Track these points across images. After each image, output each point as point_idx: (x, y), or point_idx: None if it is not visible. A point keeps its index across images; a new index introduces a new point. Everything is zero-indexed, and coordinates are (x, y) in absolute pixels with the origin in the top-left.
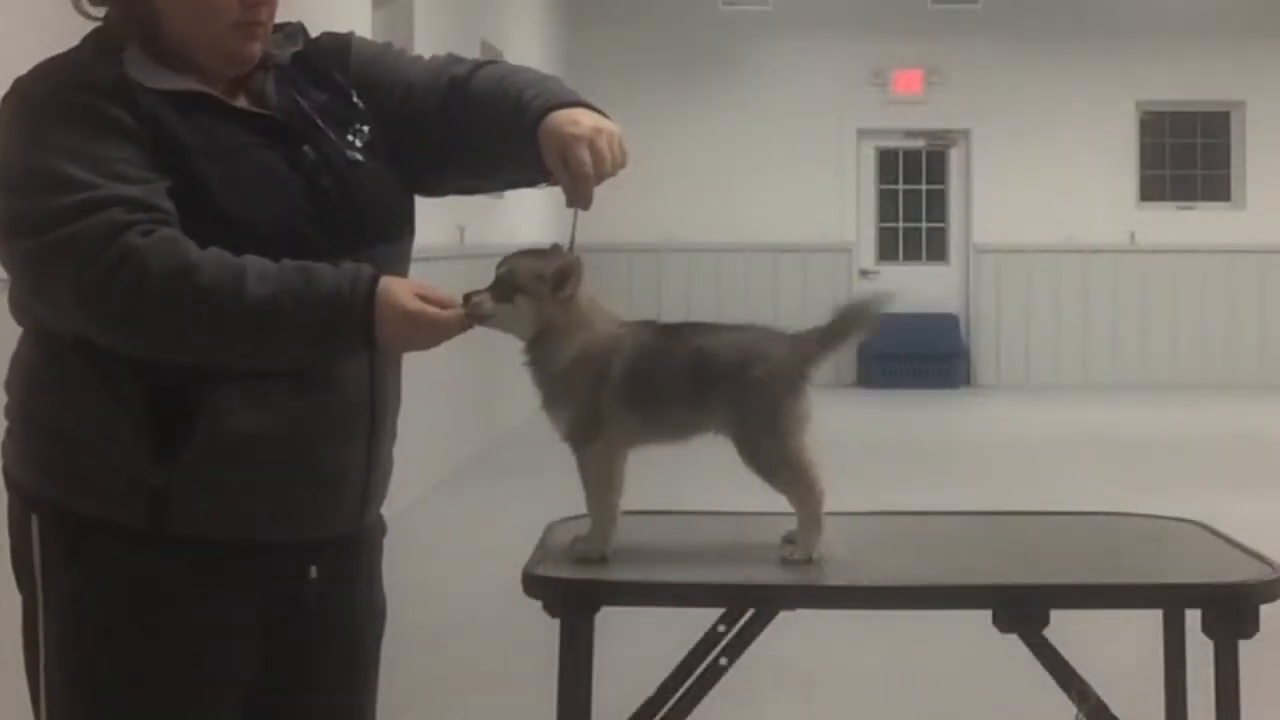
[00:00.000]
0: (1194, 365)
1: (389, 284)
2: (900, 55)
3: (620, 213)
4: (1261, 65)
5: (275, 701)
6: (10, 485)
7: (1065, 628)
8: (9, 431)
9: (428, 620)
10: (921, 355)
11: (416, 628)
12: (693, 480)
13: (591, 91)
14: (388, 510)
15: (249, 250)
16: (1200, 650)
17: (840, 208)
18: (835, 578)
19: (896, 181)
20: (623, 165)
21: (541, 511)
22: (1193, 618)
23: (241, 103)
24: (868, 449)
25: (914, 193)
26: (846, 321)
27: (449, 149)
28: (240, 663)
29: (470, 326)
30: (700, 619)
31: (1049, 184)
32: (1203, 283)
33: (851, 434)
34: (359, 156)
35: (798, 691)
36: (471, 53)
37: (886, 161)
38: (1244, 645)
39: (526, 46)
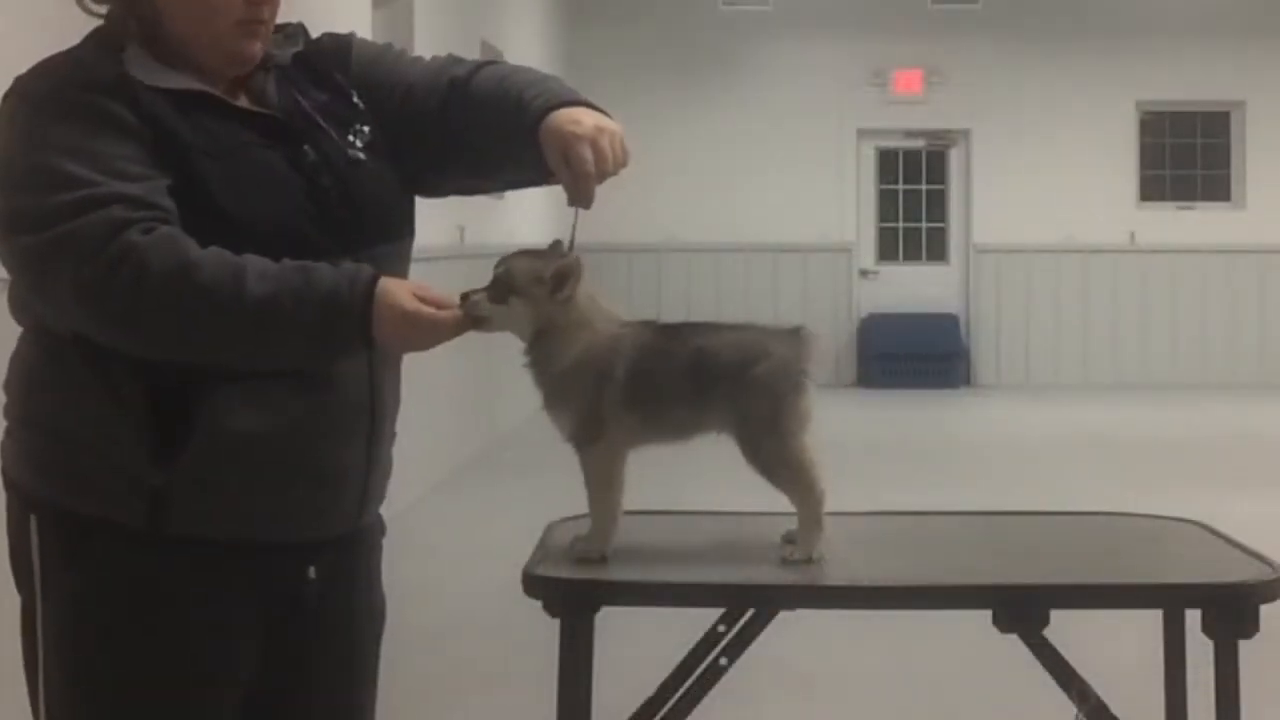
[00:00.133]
0: (1194, 365)
1: (387, 284)
2: (900, 55)
3: (620, 213)
4: (1261, 65)
5: (275, 701)
6: (9, 485)
7: (1065, 628)
8: (8, 431)
9: (427, 620)
10: (921, 355)
11: (416, 628)
12: (693, 480)
13: (591, 91)
14: (387, 510)
15: (249, 249)
16: (1200, 650)
17: (840, 208)
18: (835, 578)
19: (896, 181)
20: (624, 164)
21: (541, 511)
22: (1193, 618)
23: (242, 102)
24: (868, 449)
25: (914, 193)
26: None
27: (449, 149)
28: (240, 663)
29: (469, 328)
30: (700, 619)
31: (1049, 184)
32: (1203, 283)
33: (851, 434)
34: (359, 156)
35: (798, 691)
36: (471, 53)
37: (886, 161)
38: (1244, 645)
39: (526, 46)
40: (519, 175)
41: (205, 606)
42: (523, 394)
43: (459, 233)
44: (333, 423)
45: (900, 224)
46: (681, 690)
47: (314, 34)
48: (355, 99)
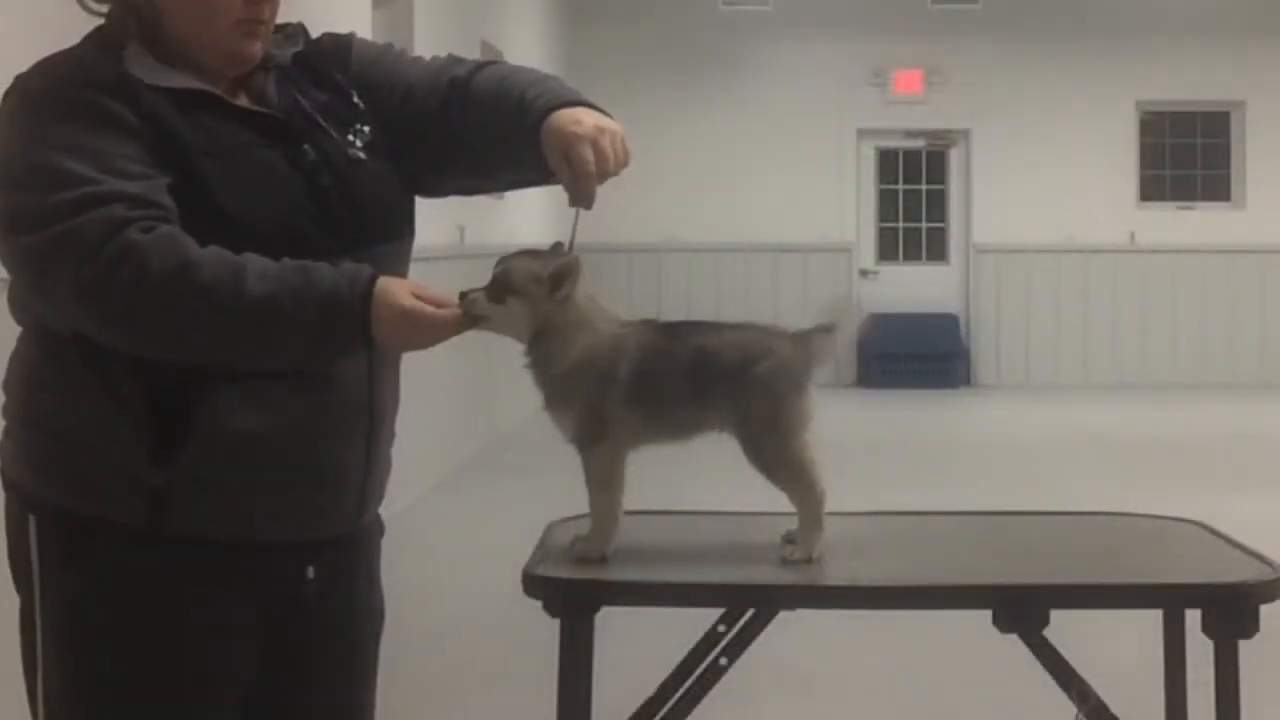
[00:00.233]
0: (1194, 365)
1: (387, 283)
2: (900, 55)
3: (620, 213)
4: (1261, 65)
5: (275, 701)
6: (9, 485)
7: (1065, 628)
8: (7, 431)
9: (427, 620)
10: (921, 355)
11: (416, 628)
12: (693, 480)
13: (591, 91)
14: (387, 510)
15: (249, 248)
16: (1200, 650)
17: (840, 208)
18: (835, 578)
19: (896, 181)
20: (625, 164)
21: (541, 512)
22: (1193, 618)
23: (242, 102)
24: (868, 449)
25: (914, 193)
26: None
27: (449, 149)
28: (240, 663)
29: (468, 327)
30: (700, 619)
31: (1049, 184)
32: (1203, 283)
33: (851, 434)
34: (359, 156)
35: (798, 691)
36: (471, 53)
37: (886, 161)
38: (1244, 645)
39: (526, 46)
40: (519, 175)
41: (205, 606)
42: (523, 394)
43: (459, 233)
44: (332, 423)
45: (900, 224)
46: (681, 690)
47: (314, 34)
48: (355, 99)
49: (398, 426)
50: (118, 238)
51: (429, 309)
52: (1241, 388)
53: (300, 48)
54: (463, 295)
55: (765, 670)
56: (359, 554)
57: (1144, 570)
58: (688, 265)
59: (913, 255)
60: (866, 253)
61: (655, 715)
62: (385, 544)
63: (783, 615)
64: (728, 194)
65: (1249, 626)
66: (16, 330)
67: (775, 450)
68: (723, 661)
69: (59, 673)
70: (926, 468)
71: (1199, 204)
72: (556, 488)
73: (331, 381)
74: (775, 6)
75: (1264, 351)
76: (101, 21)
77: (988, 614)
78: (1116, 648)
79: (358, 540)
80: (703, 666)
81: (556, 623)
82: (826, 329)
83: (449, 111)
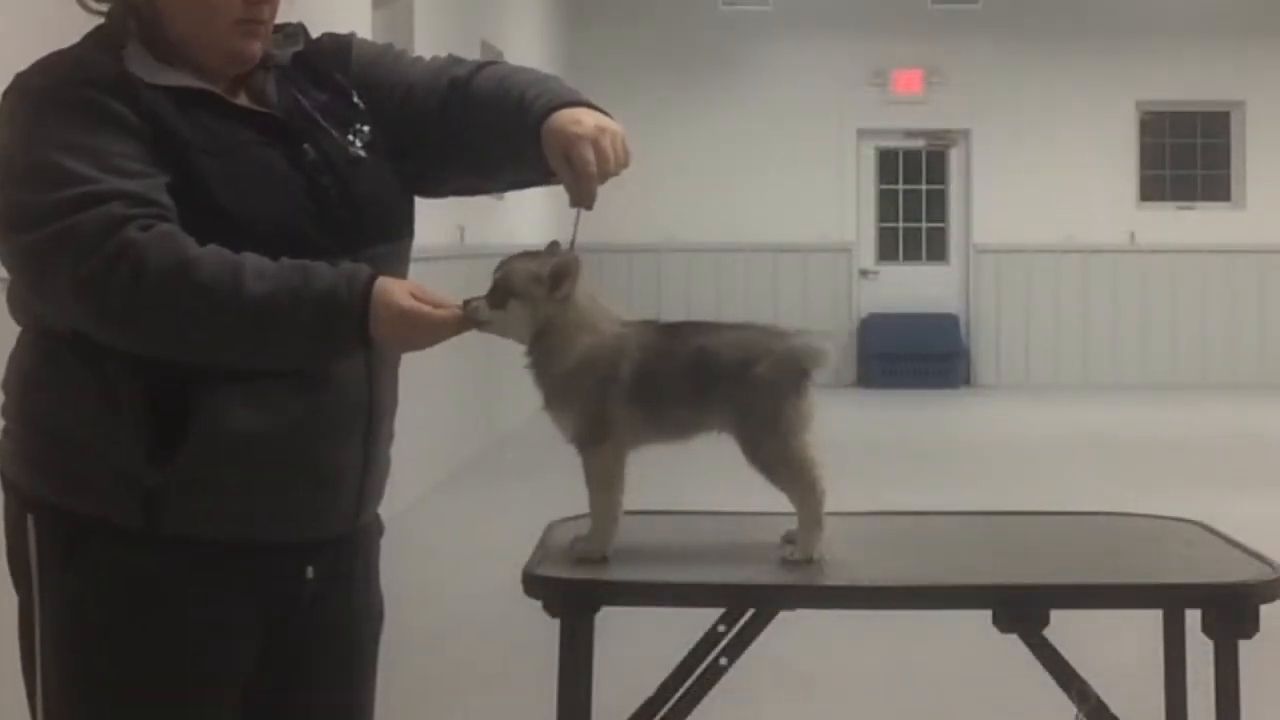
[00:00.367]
0: (1194, 365)
1: (385, 283)
2: (900, 55)
3: (620, 213)
4: (1261, 65)
5: (275, 701)
6: (7, 485)
7: (1065, 628)
8: (6, 431)
9: (426, 621)
10: (921, 355)
11: (415, 628)
12: (693, 480)
13: (591, 91)
14: (387, 510)
15: (248, 248)
16: (1200, 650)
17: (840, 208)
18: (835, 578)
19: (896, 181)
20: (626, 164)
21: (541, 512)
22: (1193, 618)
23: (242, 101)
24: (868, 449)
25: (914, 193)
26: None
27: (449, 149)
28: (239, 663)
29: (467, 328)
30: (700, 619)
31: (1049, 184)
32: (1203, 283)
33: (851, 434)
34: (359, 155)
35: (798, 691)
36: (471, 53)
37: (886, 161)
38: (1244, 645)
39: (526, 46)
40: (520, 175)
41: (204, 606)
42: (523, 394)
43: (459, 233)
44: (331, 423)
45: (900, 224)
46: (681, 690)
47: (314, 34)
48: (355, 98)
49: (397, 426)
50: (116, 235)
51: (428, 309)
52: (1241, 388)
53: (300, 47)
54: (466, 304)
55: (765, 670)
56: (358, 554)
57: (1144, 570)
58: (688, 265)
59: (913, 255)
60: (866, 253)
61: (655, 715)
62: (385, 544)
63: (783, 615)
64: (728, 194)
65: (1249, 626)
66: (16, 330)
67: (775, 450)
68: (723, 661)
69: (58, 672)
70: (926, 468)
71: (1199, 204)
72: (556, 488)
73: (330, 382)
74: (775, 6)
75: (1264, 351)
76: (101, 21)
77: (988, 614)
78: (1116, 648)
79: (357, 540)
80: (703, 666)
81: (556, 623)
82: (826, 333)
83: (449, 111)
